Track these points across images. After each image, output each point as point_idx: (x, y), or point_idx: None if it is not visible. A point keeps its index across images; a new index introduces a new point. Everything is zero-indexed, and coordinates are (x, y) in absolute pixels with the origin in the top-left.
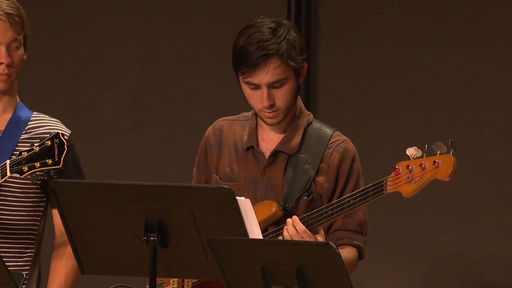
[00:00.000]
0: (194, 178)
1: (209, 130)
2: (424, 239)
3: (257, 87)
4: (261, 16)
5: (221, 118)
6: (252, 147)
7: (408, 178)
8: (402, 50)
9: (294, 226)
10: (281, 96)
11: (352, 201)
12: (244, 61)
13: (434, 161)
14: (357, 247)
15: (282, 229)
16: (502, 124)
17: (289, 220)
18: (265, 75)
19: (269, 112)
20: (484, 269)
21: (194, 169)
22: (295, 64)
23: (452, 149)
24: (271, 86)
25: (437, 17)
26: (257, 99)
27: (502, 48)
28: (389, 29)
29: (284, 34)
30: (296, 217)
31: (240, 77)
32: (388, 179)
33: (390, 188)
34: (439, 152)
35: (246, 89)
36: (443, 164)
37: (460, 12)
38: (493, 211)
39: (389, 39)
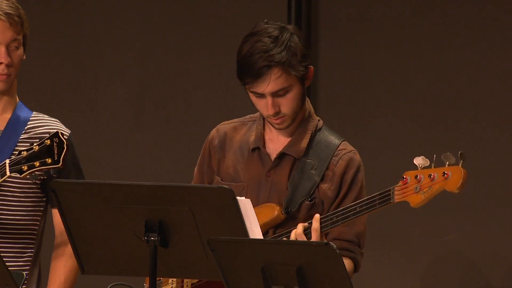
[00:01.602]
0: (195, 179)
1: (213, 132)
2: (424, 239)
3: (261, 95)
4: (265, 20)
5: (225, 122)
6: (258, 148)
7: (416, 188)
8: (402, 50)
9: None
10: (286, 103)
11: (358, 209)
12: (246, 71)
13: (444, 173)
14: (353, 259)
15: (283, 234)
16: (502, 125)
17: (293, 233)
18: (267, 86)
19: (276, 119)
20: (484, 269)
21: (196, 170)
22: (296, 73)
23: (462, 161)
24: (275, 94)
25: (438, 17)
26: (263, 106)
27: (505, 49)
28: (390, 30)
29: (286, 41)
30: (301, 227)
31: (245, 85)
32: (396, 188)
33: (397, 197)
34: (448, 163)
35: (252, 97)
36: (452, 176)
37: (462, 12)
38: (493, 211)
39: (390, 39)
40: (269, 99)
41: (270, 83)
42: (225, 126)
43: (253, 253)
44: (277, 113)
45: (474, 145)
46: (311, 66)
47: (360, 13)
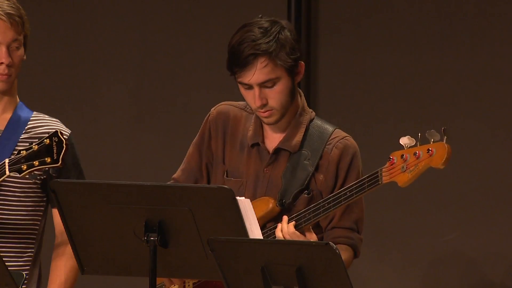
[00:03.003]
0: (191, 159)
1: (213, 112)
2: (425, 238)
3: (249, 87)
4: (260, 16)
5: (226, 102)
6: (258, 144)
7: (403, 167)
8: (402, 49)
9: (282, 228)
10: (274, 95)
11: (348, 193)
12: (234, 60)
13: (428, 149)
14: (352, 246)
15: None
16: (503, 124)
17: (279, 224)
18: (253, 75)
19: (263, 112)
20: (485, 268)
21: (192, 149)
22: (283, 64)
23: (445, 137)
24: (262, 86)
25: (436, 16)
26: (251, 99)
27: (500, 47)
28: (389, 29)
29: (275, 33)
30: (285, 216)
31: (234, 76)
32: (383, 169)
33: (385, 178)
34: (432, 140)
35: (241, 89)
36: (437, 152)
37: (459, 11)
38: (494, 211)
39: (389, 38)
40: (256, 90)
41: (256, 73)
42: (225, 107)
43: (253, 253)
44: (264, 105)
45: (473, 145)
46: (302, 62)
47: (359, 13)
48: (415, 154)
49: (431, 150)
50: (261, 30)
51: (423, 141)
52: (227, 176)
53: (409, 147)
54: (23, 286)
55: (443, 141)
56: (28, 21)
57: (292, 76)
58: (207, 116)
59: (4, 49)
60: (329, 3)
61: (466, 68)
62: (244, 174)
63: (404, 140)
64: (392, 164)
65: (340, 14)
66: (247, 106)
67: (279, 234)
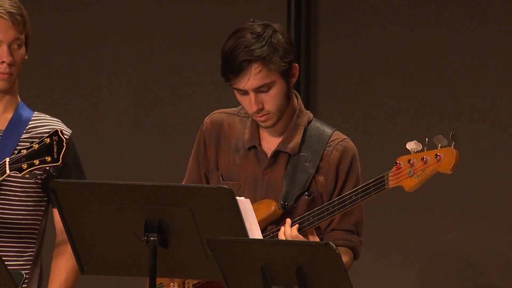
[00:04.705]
0: (191, 171)
1: (207, 121)
2: (423, 238)
3: (245, 92)
4: (252, 20)
5: (219, 110)
6: (254, 147)
7: (410, 172)
8: (402, 49)
9: (285, 232)
10: (269, 100)
11: (353, 197)
12: (228, 67)
13: (436, 155)
14: (352, 248)
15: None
16: (501, 123)
17: (283, 227)
18: (247, 81)
19: (260, 116)
20: (482, 267)
21: (191, 161)
22: (277, 68)
23: (453, 142)
24: (258, 90)
25: (436, 16)
26: (247, 104)
27: (502, 46)
28: (389, 29)
29: (268, 38)
30: (289, 220)
31: (229, 82)
32: (390, 174)
33: (392, 183)
34: (440, 145)
35: (237, 95)
36: (445, 157)
37: (460, 11)
38: (492, 210)
39: (389, 38)
40: (252, 95)
41: (251, 78)
42: (218, 116)
43: (253, 253)
44: (260, 110)
45: (474, 144)
46: (296, 64)
47: (359, 13)
48: (422, 159)
49: (439, 155)
50: (254, 35)
51: (431, 146)
52: (223, 180)
53: (415, 152)
54: (23, 286)
55: (451, 146)
56: (29, 20)
57: (287, 79)
58: (201, 126)
59: (5, 48)
60: (329, 3)
61: (465, 68)
62: (241, 177)
63: (411, 145)
64: (398, 169)
65: (340, 14)
66: (240, 111)
67: (282, 237)
